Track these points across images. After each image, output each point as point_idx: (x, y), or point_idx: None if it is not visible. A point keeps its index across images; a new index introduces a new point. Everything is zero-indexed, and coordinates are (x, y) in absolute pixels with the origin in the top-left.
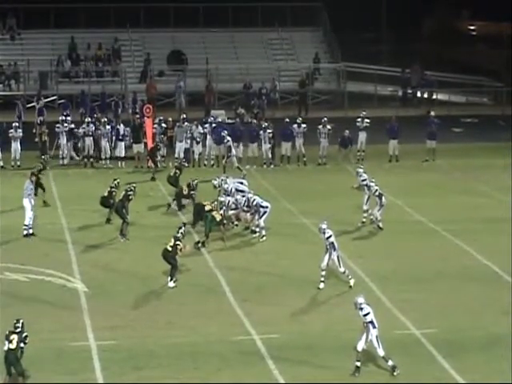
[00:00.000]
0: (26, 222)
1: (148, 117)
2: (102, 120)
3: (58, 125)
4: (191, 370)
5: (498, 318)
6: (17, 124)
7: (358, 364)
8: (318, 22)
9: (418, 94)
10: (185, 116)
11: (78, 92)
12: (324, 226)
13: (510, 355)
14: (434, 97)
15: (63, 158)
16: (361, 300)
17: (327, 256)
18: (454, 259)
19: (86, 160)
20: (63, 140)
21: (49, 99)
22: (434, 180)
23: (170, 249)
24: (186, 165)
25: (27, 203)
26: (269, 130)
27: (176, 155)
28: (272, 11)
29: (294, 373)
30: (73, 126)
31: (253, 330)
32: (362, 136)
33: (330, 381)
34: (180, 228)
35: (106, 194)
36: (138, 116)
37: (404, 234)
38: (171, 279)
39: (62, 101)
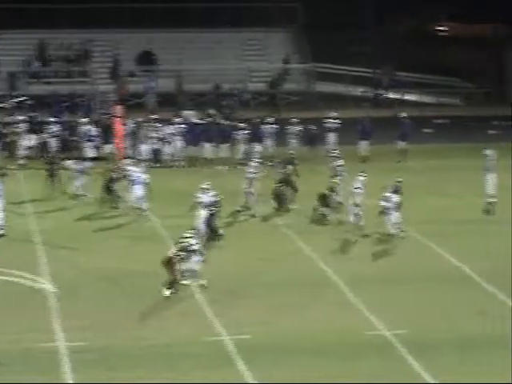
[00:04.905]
0: None
1: (118, 117)
2: (80, 120)
3: (17, 125)
4: (164, 370)
5: (470, 319)
6: None
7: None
8: (289, 23)
9: (390, 95)
10: (155, 116)
11: (48, 93)
12: None
13: (481, 356)
14: (406, 98)
15: (20, 158)
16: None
17: None
18: (425, 261)
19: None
20: (22, 141)
21: (18, 100)
22: (405, 181)
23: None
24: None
25: None
26: (246, 131)
27: (142, 156)
28: (243, 12)
29: (266, 373)
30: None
31: (224, 330)
32: (333, 137)
33: (301, 381)
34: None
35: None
36: (107, 116)
37: (375, 236)
38: (168, 288)
39: (30, 101)
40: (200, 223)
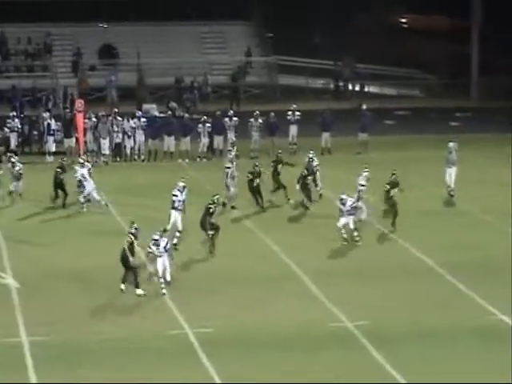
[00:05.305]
0: None
1: (79, 111)
2: (44, 115)
3: None
4: (127, 365)
5: (431, 311)
6: None
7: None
8: (251, 16)
9: (350, 87)
10: (116, 110)
11: (9, 87)
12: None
13: (442, 347)
14: (366, 89)
15: None
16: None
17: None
18: (388, 253)
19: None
20: None
21: None
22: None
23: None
24: (118, 159)
25: None
26: (208, 124)
27: (103, 151)
28: (204, 5)
29: (228, 367)
30: None
31: (187, 324)
32: (294, 129)
33: (263, 374)
34: (133, 223)
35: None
36: (68, 110)
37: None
38: (136, 287)
39: None
40: (173, 222)
